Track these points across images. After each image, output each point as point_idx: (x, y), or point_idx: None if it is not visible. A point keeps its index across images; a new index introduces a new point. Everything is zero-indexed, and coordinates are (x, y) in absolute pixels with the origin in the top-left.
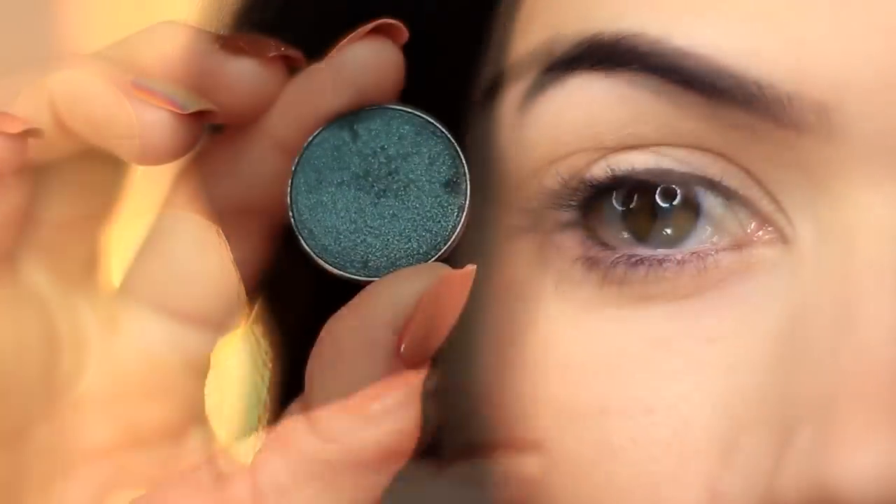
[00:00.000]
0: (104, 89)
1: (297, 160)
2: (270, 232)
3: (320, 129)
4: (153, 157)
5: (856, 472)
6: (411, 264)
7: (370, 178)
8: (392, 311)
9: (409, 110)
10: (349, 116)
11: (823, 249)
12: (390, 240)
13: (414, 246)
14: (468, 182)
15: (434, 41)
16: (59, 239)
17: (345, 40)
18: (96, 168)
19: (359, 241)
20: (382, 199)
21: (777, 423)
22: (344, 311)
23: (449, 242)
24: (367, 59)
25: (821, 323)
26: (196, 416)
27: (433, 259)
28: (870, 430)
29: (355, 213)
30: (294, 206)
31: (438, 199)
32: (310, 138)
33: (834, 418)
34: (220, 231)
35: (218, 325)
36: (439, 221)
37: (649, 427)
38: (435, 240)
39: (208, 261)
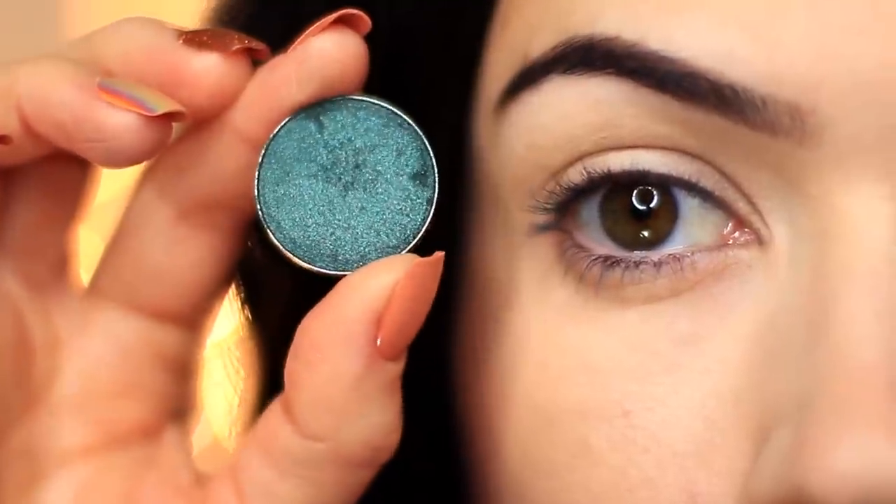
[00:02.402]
0: (71, 93)
1: (262, 152)
2: (238, 225)
3: (286, 119)
4: (121, 160)
5: (830, 473)
6: (381, 258)
7: (337, 171)
8: (366, 304)
9: (376, 101)
10: (315, 107)
11: (799, 251)
12: (359, 233)
13: (384, 239)
14: (436, 175)
15: (408, 42)
16: (27, 241)
17: (307, 31)
18: (64, 170)
19: (328, 234)
20: (350, 192)
21: (753, 424)
22: (318, 309)
23: (418, 236)
24: (330, 50)
25: (796, 324)
26: (172, 414)
27: (403, 252)
28: (844, 431)
29: (323, 205)
30: (261, 198)
31: (407, 192)
32: (275, 129)
33: (809, 419)
34: (188, 226)
35: (190, 321)
36: (408, 215)
37: (626, 429)
38: (404, 233)
39: (176, 256)
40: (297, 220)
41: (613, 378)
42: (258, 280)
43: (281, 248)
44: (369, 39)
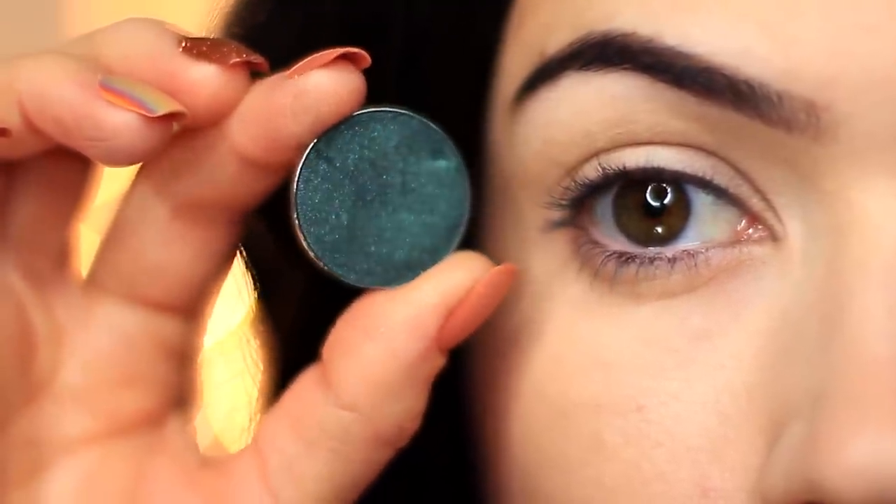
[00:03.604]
0: (72, 91)
1: (295, 214)
2: (233, 220)
3: (297, 172)
4: (121, 159)
5: (844, 467)
6: (448, 242)
7: (368, 191)
8: (445, 296)
9: (367, 111)
10: (316, 144)
11: (813, 247)
12: (417, 232)
13: (440, 224)
14: (451, 143)
15: (424, 43)
16: (30, 235)
17: (305, 63)
18: (66, 165)
19: (392, 249)
20: (390, 202)
21: (766, 419)
22: (390, 290)
23: (467, 206)
24: (326, 85)
25: (810, 320)
26: (174, 402)
27: (463, 226)
28: (858, 426)
29: (374, 227)
30: (320, 255)
31: (436, 173)
32: (293, 188)
33: (822, 414)
34: (183, 223)
35: (189, 311)
36: (449, 193)
37: (640, 424)
38: (453, 210)
39: (173, 251)
40: (359, 251)
41: (627, 373)
42: (272, 277)
43: (363, 286)
44: (386, 40)
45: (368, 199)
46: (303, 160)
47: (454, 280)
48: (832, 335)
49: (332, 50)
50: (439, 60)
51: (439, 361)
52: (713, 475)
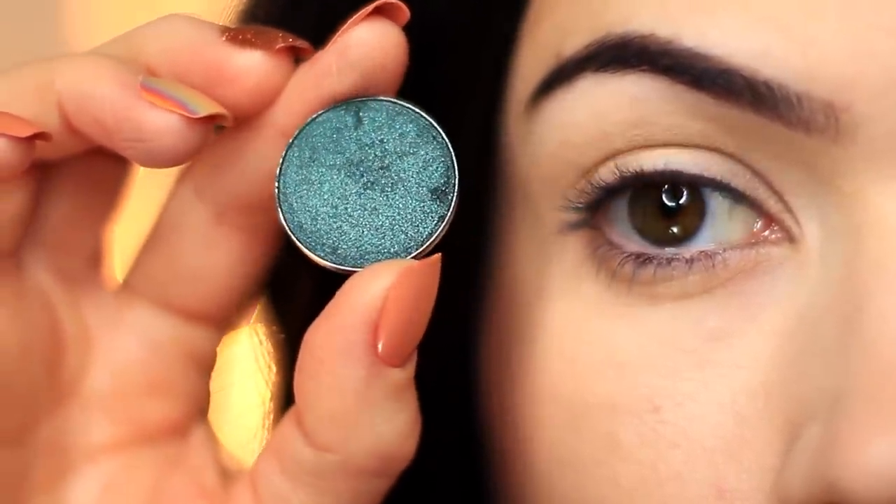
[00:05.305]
0: (113, 91)
1: (295, 133)
2: (275, 228)
3: (326, 108)
4: (161, 161)
5: (863, 470)
6: (379, 261)
7: (362, 168)
8: (360, 311)
9: (417, 110)
10: (357, 102)
11: (830, 248)
12: (364, 232)
13: (386, 244)
14: (456, 193)
15: (440, 39)
16: (63, 236)
17: (347, 23)
18: (102, 166)
19: (334, 226)
20: (368, 191)
21: (784, 420)
22: (319, 320)
23: (420, 248)
24: (369, 40)
25: (828, 321)
26: (200, 413)
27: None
28: (877, 428)
29: (338, 198)
30: (282, 178)
31: (422, 205)
32: (314, 115)
33: (841, 416)
34: (225, 228)
35: (222, 322)
36: (417, 226)
37: (656, 425)
38: (408, 242)
39: (212, 257)
40: (310, 206)
41: (643, 373)
42: (283, 282)
43: (286, 228)
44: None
45: (356, 176)
46: (337, 104)
47: (367, 292)
48: (850, 336)
49: (368, 6)
50: (453, 56)
51: (397, 375)
52: (729, 476)
